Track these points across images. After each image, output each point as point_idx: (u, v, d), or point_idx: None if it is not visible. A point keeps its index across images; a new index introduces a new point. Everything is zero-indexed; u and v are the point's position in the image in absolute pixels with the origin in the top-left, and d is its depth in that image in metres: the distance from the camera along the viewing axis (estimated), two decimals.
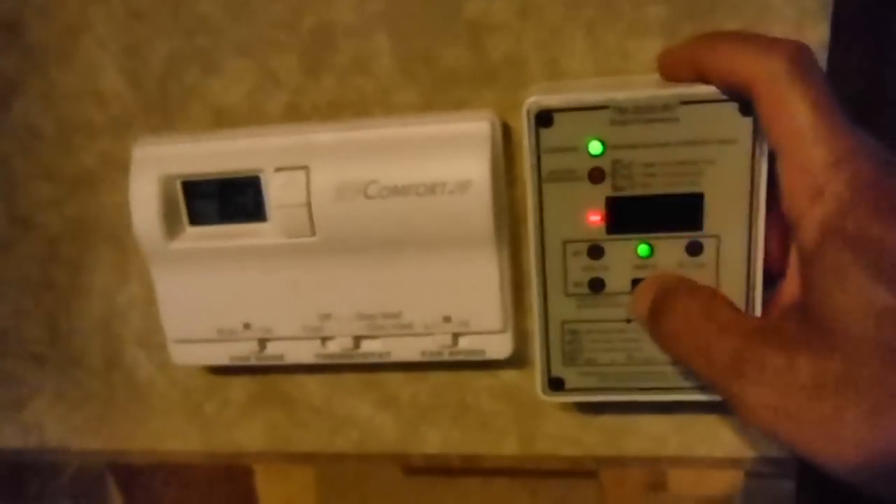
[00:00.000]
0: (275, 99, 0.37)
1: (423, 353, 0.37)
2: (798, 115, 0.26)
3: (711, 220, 0.32)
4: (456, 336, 0.37)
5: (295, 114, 0.37)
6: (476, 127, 0.34)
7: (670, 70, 0.32)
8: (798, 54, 0.26)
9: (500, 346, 0.37)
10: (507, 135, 0.35)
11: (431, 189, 0.34)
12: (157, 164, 0.36)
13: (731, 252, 0.32)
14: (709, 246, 0.32)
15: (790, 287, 0.30)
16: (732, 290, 0.33)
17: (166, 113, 0.38)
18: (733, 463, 0.39)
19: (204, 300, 0.38)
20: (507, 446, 0.41)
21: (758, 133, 0.30)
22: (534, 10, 0.34)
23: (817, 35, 0.33)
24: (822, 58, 0.33)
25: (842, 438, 0.24)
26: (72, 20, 0.37)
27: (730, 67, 0.28)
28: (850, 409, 0.24)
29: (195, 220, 0.37)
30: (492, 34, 0.35)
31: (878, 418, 0.23)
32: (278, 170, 0.35)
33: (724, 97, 0.30)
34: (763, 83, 0.27)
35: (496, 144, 0.34)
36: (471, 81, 0.35)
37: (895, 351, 0.23)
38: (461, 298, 0.36)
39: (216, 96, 0.38)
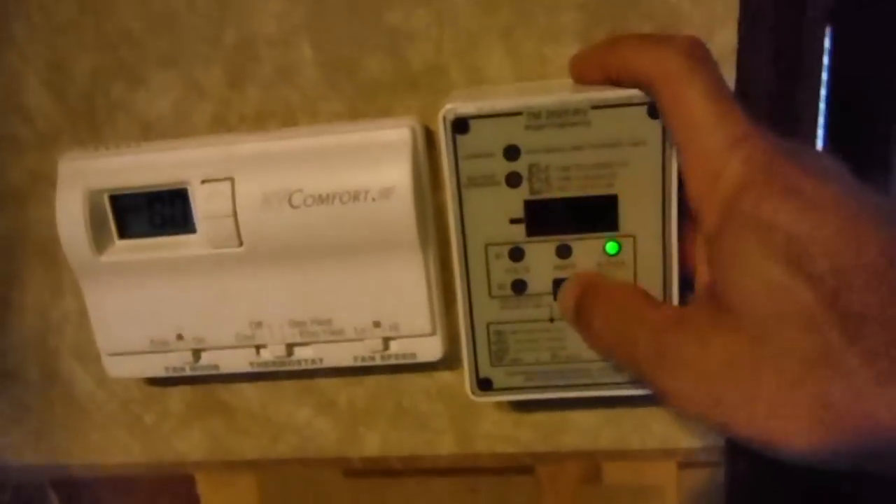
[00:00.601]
0: (200, 111, 0.37)
1: (356, 359, 0.38)
2: (693, 106, 0.27)
3: (627, 220, 0.33)
4: (387, 340, 0.37)
5: (221, 125, 0.37)
6: (397, 134, 0.34)
7: (580, 74, 0.32)
8: (691, 49, 0.28)
9: (430, 349, 0.37)
10: (431, 141, 0.36)
11: (355, 196, 0.34)
12: (84, 179, 0.36)
13: (647, 251, 0.33)
14: (626, 245, 0.33)
15: (702, 277, 0.31)
16: (650, 287, 0.33)
17: (93, 127, 0.38)
18: (666, 454, 0.40)
19: (136, 312, 0.38)
20: (445, 446, 0.41)
21: (667, 134, 0.31)
22: (451, 17, 0.35)
23: (725, 38, 0.34)
24: (731, 60, 0.34)
25: (763, 415, 0.24)
26: None
27: (631, 67, 0.29)
28: (765, 385, 0.24)
29: (124, 233, 0.37)
30: (412, 42, 0.35)
31: (792, 390, 0.24)
32: (204, 181, 0.35)
33: (633, 101, 0.31)
34: (660, 80, 0.28)
35: (418, 151, 0.35)
36: (394, 89, 0.36)
37: (794, 323, 0.23)
38: (390, 303, 0.36)
39: (142, 109, 0.38)
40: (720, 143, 0.26)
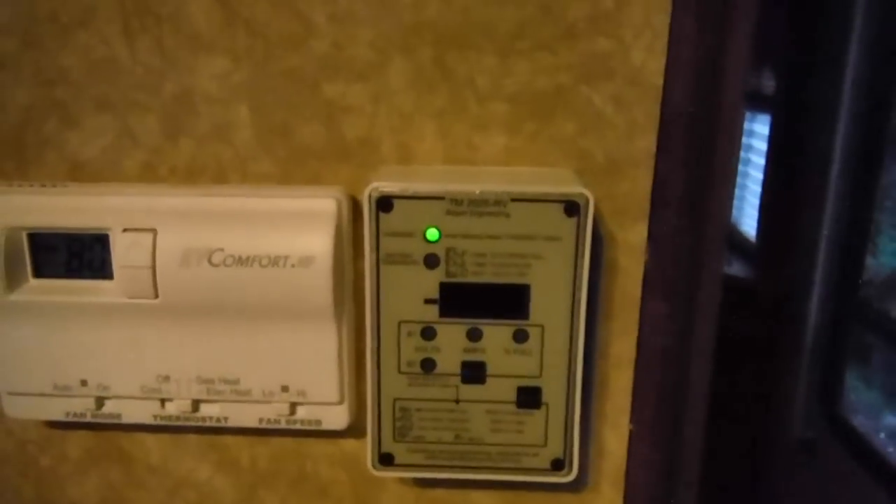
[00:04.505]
0: (132, 158, 0.37)
1: (261, 420, 0.37)
2: None
3: (537, 310, 0.34)
4: (294, 405, 0.37)
5: (152, 174, 0.38)
6: (323, 204, 0.35)
7: None
8: None
9: (337, 418, 0.37)
10: (358, 212, 0.37)
11: (275, 261, 0.34)
12: (4, 214, 0.36)
13: (555, 341, 0.34)
14: (534, 334, 0.34)
15: None
16: (554, 377, 0.34)
17: (21, 161, 0.38)
18: None
19: (42, 353, 0.37)
20: None
21: (580, 233, 0.33)
22: (386, 96, 0.36)
23: (644, 144, 0.36)
24: (648, 165, 0.36)
25: None
26: None
27: None
28: None
29: (39, 272, 0.37)
30: (347, 115, 0.36)
31: None
32: (126, 230, 0.35)
33: (551, 197, 0.32)
34: None
35: (342, 221, 0.35)
36: (326, 158, 0.37)
37: None
38: (300, 369, 0.36)
39: (73, 150, 0.38)
40: None
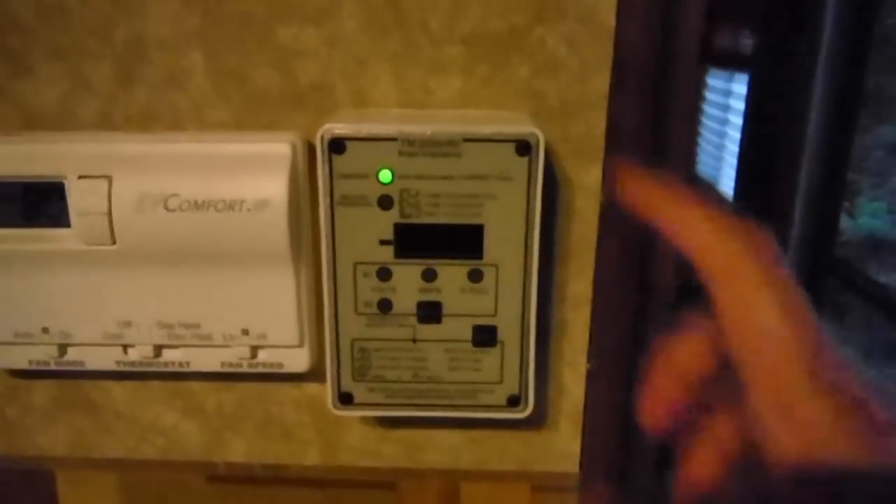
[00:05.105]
0: (87, 106, 0.37)
1: (223, 364, 0.38)
2: (768, 325, 0.24)
3: (491, 249, 0.34)
4: (255, 349, 0.38)
5: (107, 122, 0.37)
6: (277, 148, 0.35)
7: (631, 204, 0.30)
8: (761, 252, 0.25)
9: (298, 360, 0.38)
10: (314, 158, 0.37)
11: (230, 206, 0.35)
12: None
13: (509, 280, 0.35)
14: (489, 273, 0.35)
15: None
16: (509, 315, 0.35)
17: None
18: (522, 476, 0.42)
19: (2, 302, 0.37)
20: (310, 457, 0.42)
21: (532, 172, 0.33)
22: (341, 40, 0.36)
23: (598, 86, 0.36)
24: (602, 105, 0.36)
25: None
26: None
27: (690, 246, 0.27)
28: None
29: None
30: (301, 60, 0.36)
31: None
32: (81, 177, 0.35)
33: (503, 137, 0.33)
34: (723, 277, 0.26)
35: (297, 166, 0.35)
36: (281, 104, 0.37)
37: None
38: (259, 313, 0.37)
39: (27, 98, 0.37)
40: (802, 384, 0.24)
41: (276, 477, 0.43)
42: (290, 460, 0.42)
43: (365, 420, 0.41)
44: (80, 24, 0.36)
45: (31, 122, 0.38)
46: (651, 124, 0.38)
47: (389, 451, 0.42)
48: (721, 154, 1.93)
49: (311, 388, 0.41)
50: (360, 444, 0.42)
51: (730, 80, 1.88)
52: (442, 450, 0.42)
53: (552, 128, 0.36)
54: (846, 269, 1.90)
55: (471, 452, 0.42)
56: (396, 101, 0.36)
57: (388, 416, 0.41)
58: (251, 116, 0.37)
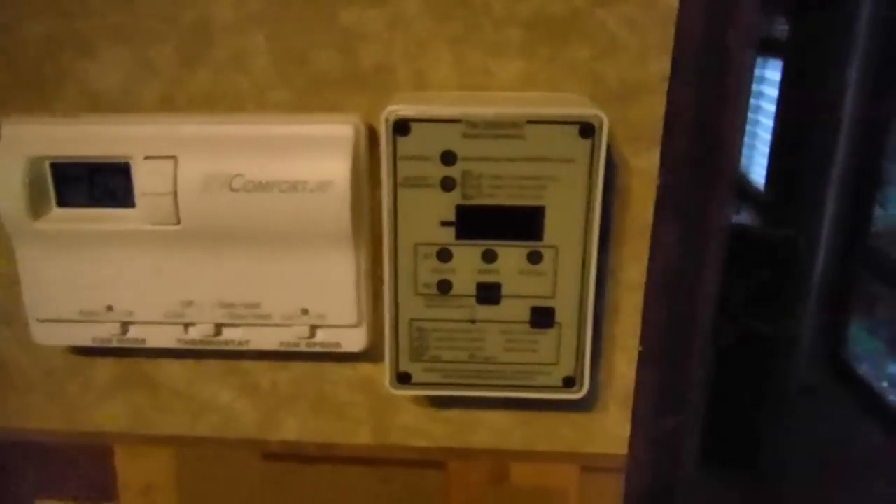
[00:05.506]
0: (150, 88, 0.38)
1: (282, 344, 0.39)
2: None
3: (551, 231, 0.35)
4: (313, 328, 0.38)
5: (169, 104, 0.38)
6: (340, 130, 0.36)
7: None
8: None
9: (355, 340, 0.38)
10: (374, 139, 0.37)
11: (294, 186, 0.35)
12: (27, 144, 0.37)
13: (568, 262, 0.35)
14: (548, 255, 0.35)
15: None
16: (567, 297, 0.35)
17: (40, 93, 0.38)
18: (571, 458, 0.42)
19: (68, 281, 0.38)
20: (362, 436, 0.43)
21: (594, 154, 0.33)
22: (403, 22, 0.36)
23: (658, 68, 0.36)
24: (661, 89, 0.36)
25: None
26: None
27: None
28: None
29: (63, 201, 0.37)
30: (364, 43, 0.36)
31: None
32: (147, 158, 0.36)
33: (567, 119, 0.33)
34: None
35: (359, 148, 0.36)
36: (342, 86, 0.37)
37: None
38: (319, 293, 0.37)
39: (91, 81, 0.38)
40: None
41: (327, 455, 0.43)
42: (342, 439, 0.43)
43: (416, 400, 0.42)
44: (145, 6, 0.37)
45: (95, 104, 0.38)
46: (707, 109, 0.38)
47: (440, 431, 0.42)
48: (753, 142, 1.91)
49: (365, 367, 0.41)
50: (411, 423, 0.42)
51: (763, 67, 1.86)
52: (492, 430, 0.42)
53: (611, 110, 0.36)
54: (879, 259, 1.88)
55: (520, 433, 0.42)
56: (456, 83, 0.37)
57: (439, 397, 0.41)
58: (312, 98, 0.37)
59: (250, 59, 0.37)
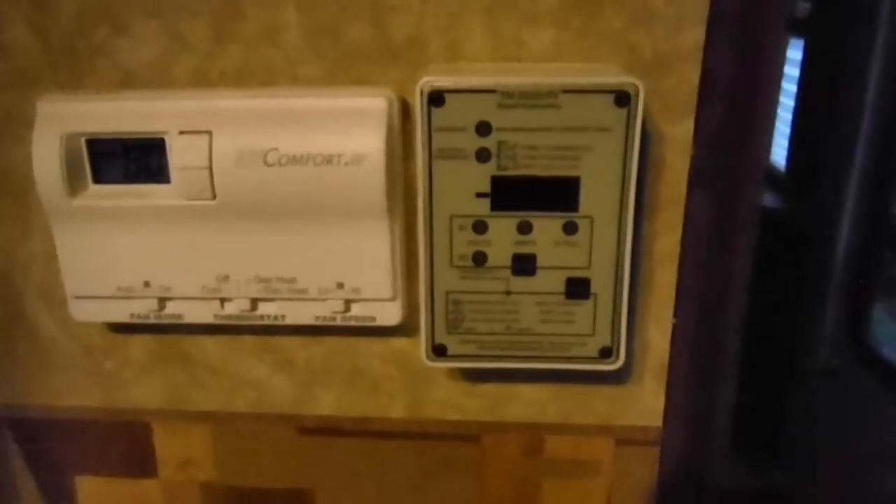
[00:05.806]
0: (183, 63, 0.38)
1: (317, 318, 0.39)
2: None
3: (586, 202, 0.34)
4: (348, 302, 0.38)
5: (202, 79, 0.38)
6: (373, 103, 0.36)
7: None
8: None
9: (390, 314, 0.39)
10: (406, 112, 0.37)
11: (328, 160, 0.35)
12: (62, 121, 0.37)
13: (604, 232, 0.35)
14: (583, 226, 0.35)
15: None
16: (603, 268, 0.35)
17: (74, 70, 0.39)
18: (605, 430, 0.42)
19: (105, 257, 0.39)
20: (396, 410, 0.43)
21: (630, 124, 0.33)
22: None
23: (693, 38, 0.36)
24: (696, 58, 0.36)
25: None
26: None
27: None
28: None
29: (99, 178, 0.38)
30: (395, 15, 0.36)
31: None
32: (182, 133, 0.36)
33: (603, 88, 0.33)
34: None
35: (392, 121, 0.36)
36: (374, 59, 0.37)
37: None
38: (354, 266, 0.37)
39: (124, 57, 0.38)
40: None
41: (362, 430, 0.44)
42: (377, 413, 0.43)
43: (450, 374, 0.42)
44: None
45: (128, 80, 0.39)
46: (741, 78, 0.38)
47: (474, 404, 0.42)
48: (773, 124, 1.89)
49: (399, 342, 0.41)
50: (445, 397, 0.42)
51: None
52: (526, 403, 0.42)
53: (645, 80, 0.36)
54: None
55: (555, 406, 0.42)
56: (489, 54, 0.37)
57: (473, 371, 0.41)
58: (344, 72, 0.37)
59: (281, 33, 0.37)
